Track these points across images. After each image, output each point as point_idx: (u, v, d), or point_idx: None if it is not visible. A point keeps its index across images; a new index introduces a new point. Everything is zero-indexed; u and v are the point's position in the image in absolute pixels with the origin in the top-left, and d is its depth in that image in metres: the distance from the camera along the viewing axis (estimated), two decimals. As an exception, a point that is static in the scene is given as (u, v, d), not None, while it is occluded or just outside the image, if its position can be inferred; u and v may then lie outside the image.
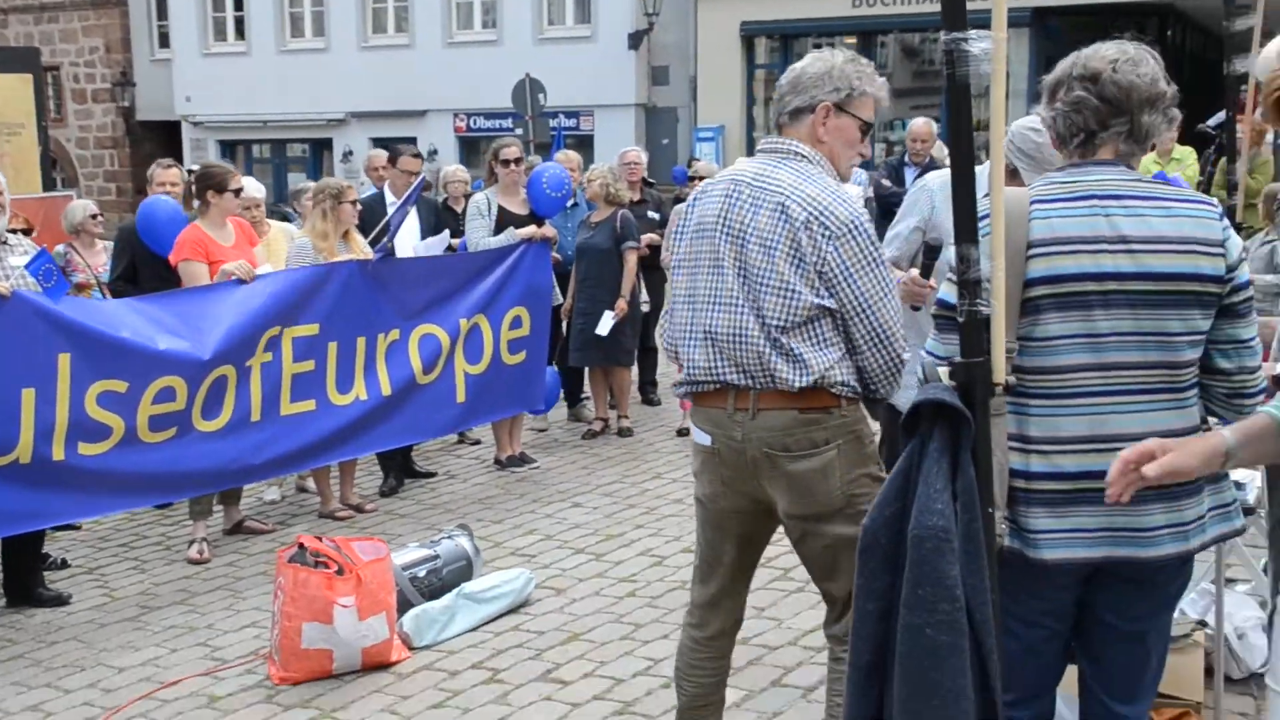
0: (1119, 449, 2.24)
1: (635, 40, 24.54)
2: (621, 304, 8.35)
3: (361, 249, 7.25)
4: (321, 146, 27.35)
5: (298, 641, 4.71)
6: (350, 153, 26.76)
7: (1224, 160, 8.12)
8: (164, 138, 29.83)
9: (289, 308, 6.58)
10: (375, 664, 4.80)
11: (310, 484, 7.66)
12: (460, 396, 7.49)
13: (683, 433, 8.54)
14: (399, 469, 7.80)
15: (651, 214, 9.37)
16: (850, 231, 3.10)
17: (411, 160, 8.66)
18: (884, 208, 9.29)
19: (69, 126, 30.15)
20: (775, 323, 3.14)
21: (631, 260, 8.45)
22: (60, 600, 5.92)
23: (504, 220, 8.03)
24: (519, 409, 8.07)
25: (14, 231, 6.16)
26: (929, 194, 4.24)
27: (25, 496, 5.66)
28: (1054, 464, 2.49)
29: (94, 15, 30.11)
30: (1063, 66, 2.63)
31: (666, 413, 9.38)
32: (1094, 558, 2.50)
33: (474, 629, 5.17)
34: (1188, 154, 10.45)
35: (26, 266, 5.74)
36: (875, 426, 3.71)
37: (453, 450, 8.61)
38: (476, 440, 8.73)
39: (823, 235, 3.10)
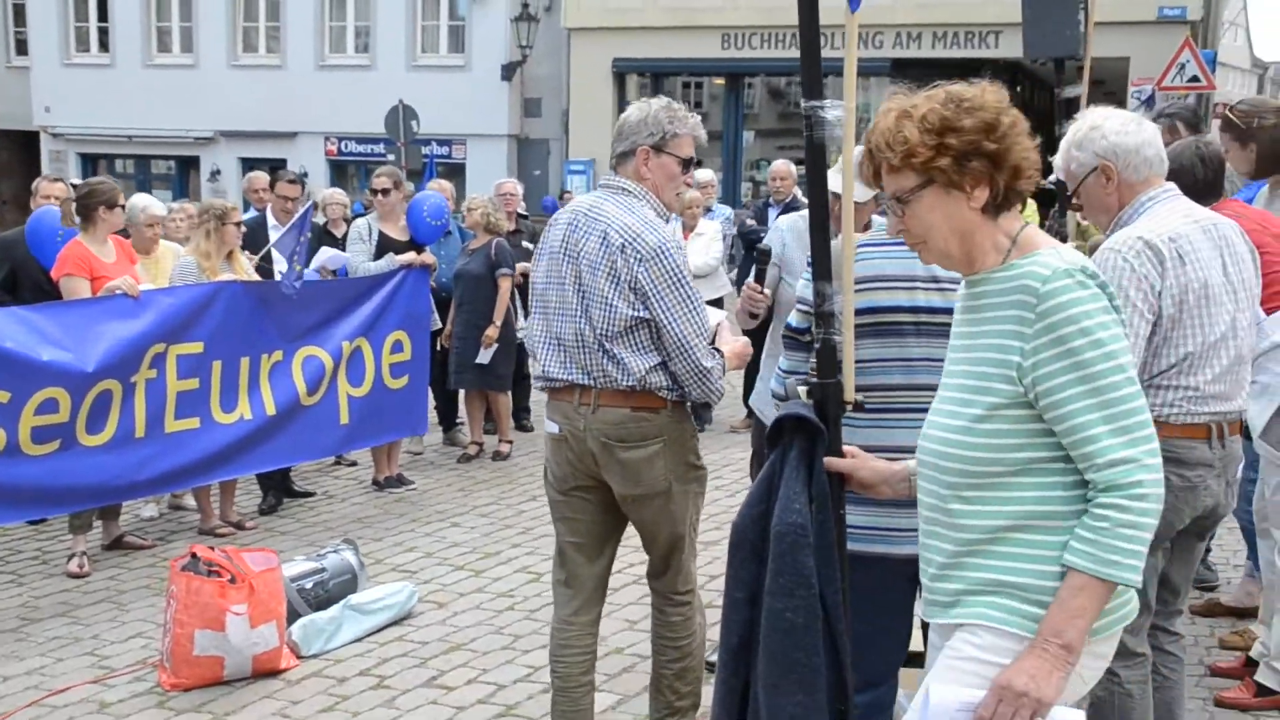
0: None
1: (509, 72, 24.90)
2: (491, 331, 8.65)
3: (246, 270, 7.43)
4: (188, 164, 27.03)
5: (189, 648, 4.88)
6: (218, 172, 26.53)
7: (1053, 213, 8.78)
8: (19, 147, 29.14)
9: (174, 325, 6.71)
10: (265, 671, 5.00)
11: (188, 501, 7.77)
12: (344, 419, 7.69)
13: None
14: (277, 488, 7.94)
15: (526, 244, 9.68)
16: (657, 255, 3.67)
17: (289, 185, 8.86)
18: (748, 244, 9.75)
19: (-79, 134, 29.30)
20: (601, 331, 3.74)
21: (504, 287, 8.75)
22: (-63, 612, 5.97)
23: (384, 246, 8.28)
24: (401, 433, 8.30)
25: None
26: (780, 233, 4.87)
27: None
28: None
29: (-55, 19, 29.35)
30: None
31: (540, 438, 9.65)
32: (909, 553, 2.84)
33: (359, 639, 5.40)
34: (1031, 206, 11.17)
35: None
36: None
37: (330, 471, 8.77)
38: (353, 462, 8.90)
39: (635, 258, 3.67)
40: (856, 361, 2.84)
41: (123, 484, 6.61)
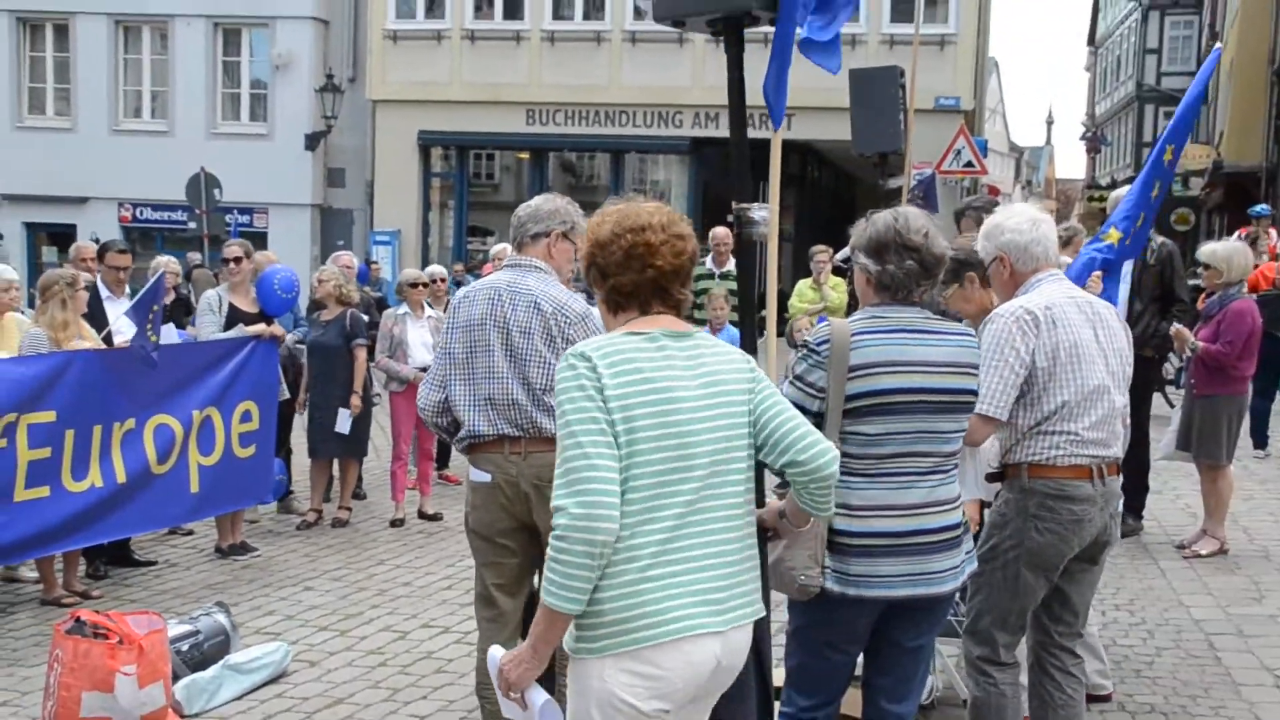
0: (917, 514, 3.27)
1: (313, 141, 24.86)
2: (356, 400, 8.82)
3: (92, 337, 7.45)
4: (-33, 228, 25.86)
5: (76, 710, 4.92)
6: (1, 236, 25.48)
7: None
8: None
9: (26, 395, 6.71)
10: (151, 731, 5.08)
11: (23, 572, 7.66)
12: (194, 487, 7.76)
13: (396, 523, 9.03)
14: (106, 558, 7.89)
15: (362, 316, 9.86)
16: (583, 319, 4.31)
17: (119, 255, 8.94)
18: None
19: None
20: (539, 386, 4.25)
21: (361, 357, 8.94)
22: None
23: (234, 317, 8.38)
24: (249, 501, 8.39)
25: None
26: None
27: None
28: (869, 525, 3.36)
29: None
30: (882, 231, 3.46)
31: (375, 505, 9.78)
32: (898, 596, 3.37)
33: (239, 697, 5.52)
34: (839, 283, 11.98)
35: None
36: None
37: (166, 540, 8.71)
38: (190, 531, 8.86)
39: (565, 322, 4.30)
40: (859, 434, 3.34)
41: (-28, 553, 6.54)
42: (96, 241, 25.06)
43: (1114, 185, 47.79)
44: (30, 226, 25.80)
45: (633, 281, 2.93)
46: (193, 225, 21.82)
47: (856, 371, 3.35)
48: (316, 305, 9.42)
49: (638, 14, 23.61)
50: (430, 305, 9.41)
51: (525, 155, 25.15)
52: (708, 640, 2.80)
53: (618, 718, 2.75)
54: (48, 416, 6.86)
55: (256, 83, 25.54)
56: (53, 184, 25.02)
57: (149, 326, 7.41)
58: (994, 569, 4.01)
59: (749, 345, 3.23)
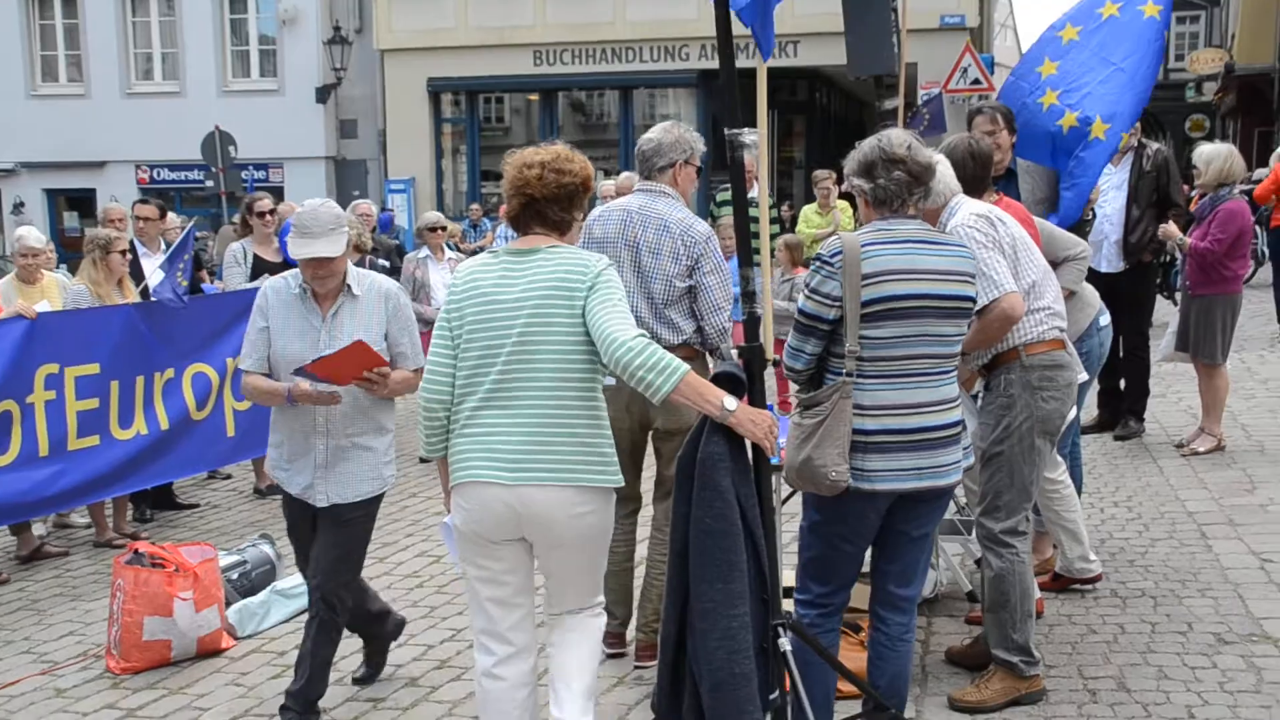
0: (922, 412, 3.63)
1: (323, 94, 25.09)
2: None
3: (134, 294, 7.80)
4: (-12, 196, 26.33)
5: (139, 634, 5.32)
6: (22, 203, 25.92)
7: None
8: None
9: (68, 346, 7.07)
10: (208, 651, 5.47)
11: (73, 519, 8.08)
12: (230, 431, 8.14)
13: (424, 459, 9.36)
14: (150, 502, 8.29)
15: (382, 261, 10.18)
16: (707, 240, 4.85)
17: (142, 206, 9.27)
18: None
19: None
20: (660, 301, 4.81)
21: (378, 302, 9.26)
22: None
23: (259, 268, 8.69)
24: (278, 442, 8.74)
25: None
26: None
27: None
28: (882, 423, 3.68)
29: None
30: (867, 152, 3.81)
31: (403, 443, 10.14)
32: (908, 488, 3.71)
33: (286, 620, 5.90)
34: (845, 206, 12.21)
35: None
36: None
37: (206, 484, 9.10)
38: (228, 474, 9.25)
39: (690, 241, 4.81)
40: (872, 339, 3.66)
41: (35, 500, 6.98)
42: (115, 201, 25.55)
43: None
44: (50, 193, 26.17)
45: (515, 207, 3.79)
46: (210, 184, 22.12)
47: (869, 279, 3.65)
48: None
49: (640, -51, 23.68)
50: (452, 247, 9.70)
51: (535, 97, 25.33)
52: (495, 489, 3.58)
53: (454, 533, 3.79)
54: (92, 369, 7.23)
55: (265, 39, 25.75)
56: (70, 150, 25.38)
57: (179, 272, 7.77)
58: (1010, 445, 4.41)
59: (746, 262, 3.52)
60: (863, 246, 3.71)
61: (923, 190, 3.82)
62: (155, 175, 25.83)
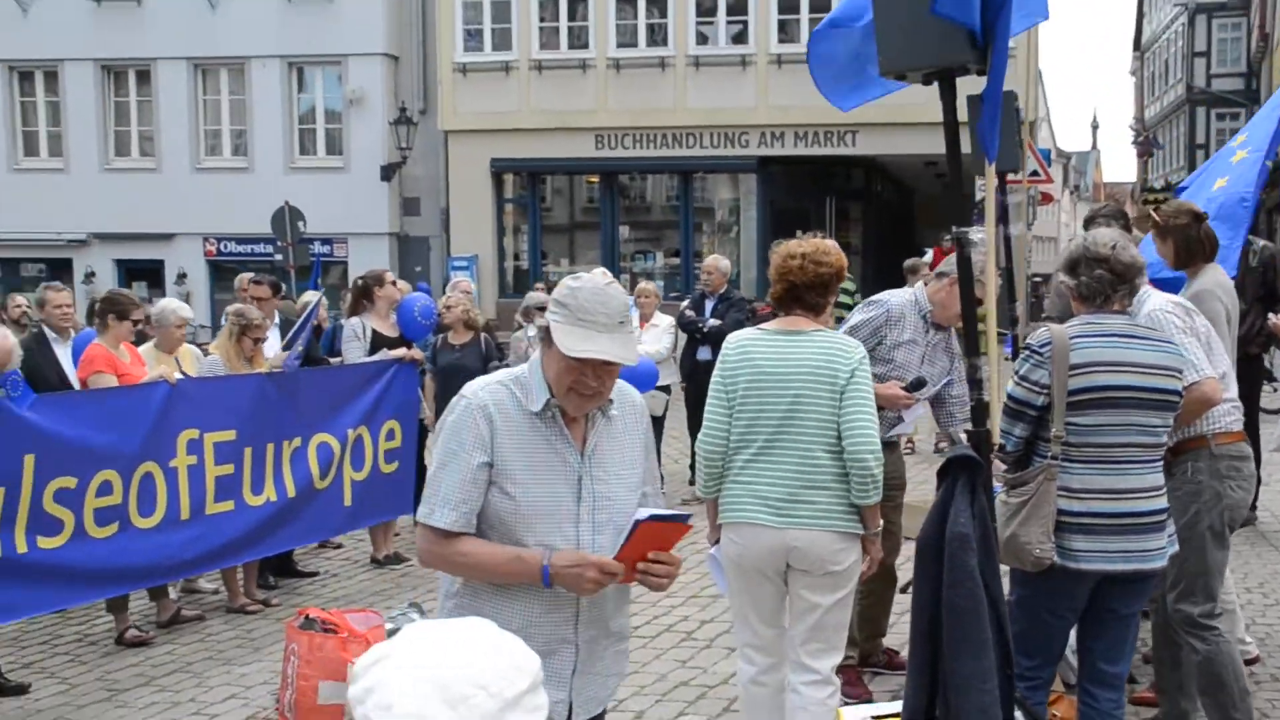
0: (1129, 498, 3.81)
1: (388, 173, 25.62)
2: (493, 417, 9.37)
3: (265, 367, 8.07)
4: (60, 267, 26.82)
5: (313, 699, 5.48)
6: (93, 274, 26.45)
7: None
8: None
9: (209, 412, 7.33)
10: (377, 716, 5.62)
11: (201, 584, 8.28)
12: (347, 501, 8.35)
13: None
14: (274, 569, 8.49)
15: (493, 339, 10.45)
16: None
17: (255, 286, 9.64)
18: (689, 333, 10.70)
19: None
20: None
21: (496, 377, 9.49)
22: (21, 689, 6.39)
23: (377, 342, 8.97)
24: (393, 514, 8.97)
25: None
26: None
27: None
28: (1088, 506, 3.90)
29: None
30: (1074, 250, 4.11)
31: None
32: (1116, 570, 3.91)
33: (443, 687, 6.06)
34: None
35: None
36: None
37: (319, 553, 9.29)
38: (339, 544, 9.44)
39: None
40: (1080, 425, 3.87)
41: (173, 563, 7.17)
42: (183, 277, 25.98)
43: (1168, 188, 47.86)
44: (120, 263, 26.69)
45: (779, 291, 4.47)
46: (278, 257, 22.56)
47: (1077, 369, 3.86)
48: (441, 329, 9.96)
49: (700, 39, 24.23)
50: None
51: (595, 179, 25.79)
52: (764, 531, 4.28)
53: (726, 561, 4.44)
54: (229, 435, 7.47)
55: (331, 116, 26.35)
56: (139, 222, 25.96)
57: (297, 342, 8.07)
58: (1200, 532, 4.56)
59: (973, 351, 3.75)
60: (1071, 339, 3.93)
61: (1126, 288, 4.03)
62: (222, 248, 26.35)
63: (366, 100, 25.58)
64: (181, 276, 26.02)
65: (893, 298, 5.62)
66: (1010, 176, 22.53)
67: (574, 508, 2.95)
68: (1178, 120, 50.12)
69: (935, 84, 3.79)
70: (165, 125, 26.37)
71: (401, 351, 8.81)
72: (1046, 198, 28.54)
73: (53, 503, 6.43)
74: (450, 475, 2.92)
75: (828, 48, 4.86)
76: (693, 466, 11.49)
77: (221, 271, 26.41)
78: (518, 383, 2.97)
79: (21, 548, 6.26)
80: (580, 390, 2.88)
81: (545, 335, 2.91)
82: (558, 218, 26.60)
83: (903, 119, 23.20)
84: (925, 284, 5.62)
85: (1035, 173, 21.91)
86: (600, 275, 2.96)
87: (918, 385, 5.37)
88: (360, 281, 9.45)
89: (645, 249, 25.90)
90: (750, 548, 4.33)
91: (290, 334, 8.33)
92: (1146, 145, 55.80)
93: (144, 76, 26.53)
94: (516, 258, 26.15)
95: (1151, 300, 4.61)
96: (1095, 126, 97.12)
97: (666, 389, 10.58)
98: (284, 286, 10.24)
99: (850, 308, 11.66)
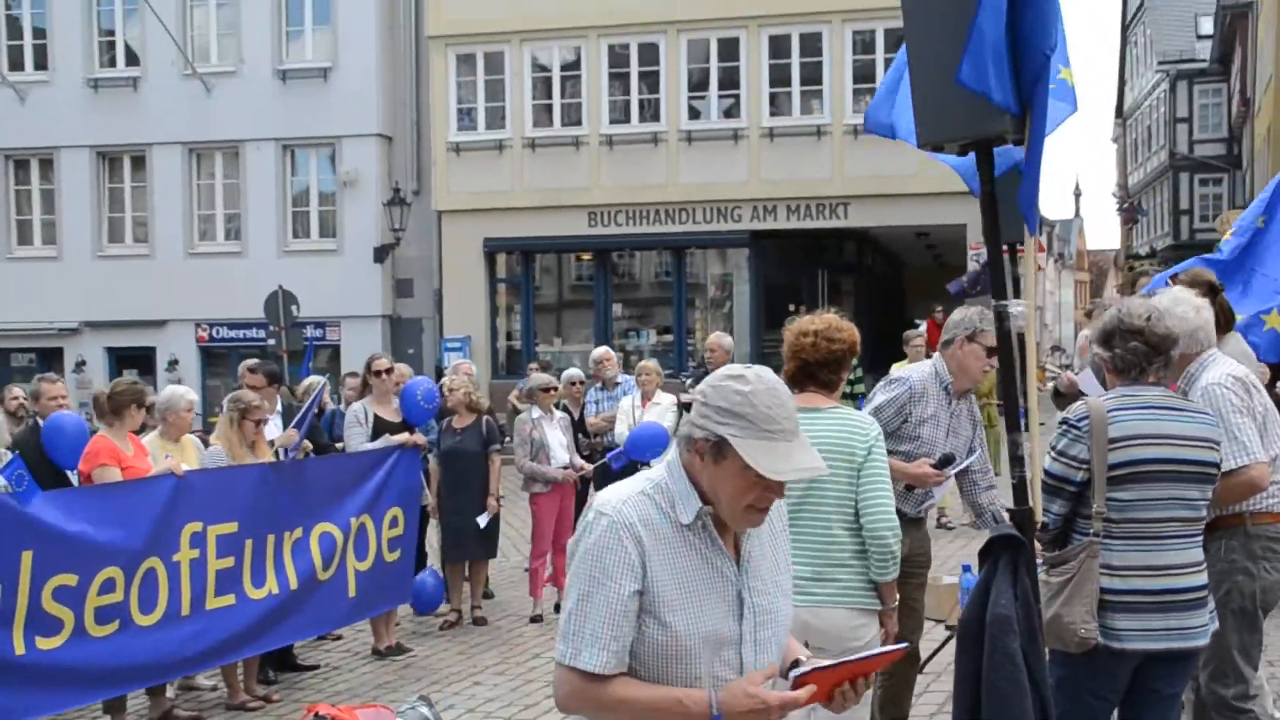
0: (1172, 574, 3.70)
1: (381, 254, 25.61)
2: (494, 502, 9.24)
3: (268, 455, 7.92)
4: (50, 356, 26.69)
5: (325, 800, 5.30)
6: (83, 362, 26.31)
7: None
8: None
9: (212, 504, 7.18)
10: (390, 818, 5.43)
11: (199, 681, 8.06)
12: (351, 592, 8.17)
13: (535, 619, 9.38)
14: (274, 663, 8.27)
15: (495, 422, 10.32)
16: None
17: (254, 376, 9.45)
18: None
19: None
20: None
21: (498, 461, 9.37)
22: (25, 801, 6.17)
23: (380, 428, 8.84)
24: (396, 603, 8.80)
25: (-19, 444, 6.55)
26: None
27: (-2, 694, 6.00)
28: (1130, 584, 3.79)
29: None
30: (1108, 322, 3.99)
31: (506, 603, 10.13)
32: (1159, 649, 3.78)
33: (456, 786, 5.87)
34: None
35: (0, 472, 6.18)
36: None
37: (318, 645, 9.07)
38: (338, 635, 9.22)
39: None
40: (1120, 501, 3.78)
41: (174, 660, 7.00)
42: (174, 364, 25.76)
43: (1153, 254, 48.09)
44: (110, 350, 26.56)
45: (792, 369, 4.46)
46: (272, 342, 22.47)
47: (1116, 443, 3.76)
48: (444, 413, 9.84)
49: (693, 114, 24.39)
50: (558, 408, 9.84)
51: (588, 256, 25.80)
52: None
53: None
54: (230, 527, 7.31)
55: (325, 198, 26.39)
56: (132, 309, 25.85)
57: (300, 431, 7.94)
58: (1233, 611, 4.42)
59: (1014, 427, 3.64)
60: (1108, 412, 3.83)
61: (1162, 360, 3.94)
62: (214, 333, 26.24)
63: (360, 181, 25.62)
64: (173, 363, 25.88)
65: (913, 374, 5.53)
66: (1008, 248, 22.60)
67: (735, 628, 2.61)
68: (1161, 186, 50.56)
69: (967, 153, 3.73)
70: (159, 210, 26.35)
71: (404, 437, 8.67)
72: (1036, 267, 28.64)
73: (52, 601, 6.26)
74: (597, 609, 2.55)
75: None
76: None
77: (213, 357, 26.31)
78: (660, 491, 2.62)
79: (19, 649, 6.09)
80: (760, 505, 2.58)
81: (714, 449, 2.53)
82: (550, 296, 26.57)
83: (894, 190, 23.41)
84: (941, 353, 5.51)
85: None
86: (764, 372, 2.61)
87: (946, 462, 5.25)
88: (368, 364, 9.36)
89: (637, 326, 25.85)
90: None
91: (296, 420, 8.20)
92: (1131, 212, 56.18)
93: (139, 162, 26.57)
94: (509, 337, 26.07)
95: (1210, 372, 4.48)
96: (1078, 194, 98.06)
97: (665, 464, 10.43)
98: (281, 375, 10.06)
99: (855, 383, 11.62)
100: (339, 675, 8.27)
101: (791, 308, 26.75)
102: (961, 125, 3.61)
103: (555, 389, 9.75)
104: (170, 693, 7.88)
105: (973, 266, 23.29)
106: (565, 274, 26.80)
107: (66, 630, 6.34)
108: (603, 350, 11.81)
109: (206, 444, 8.03)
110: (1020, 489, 3.65)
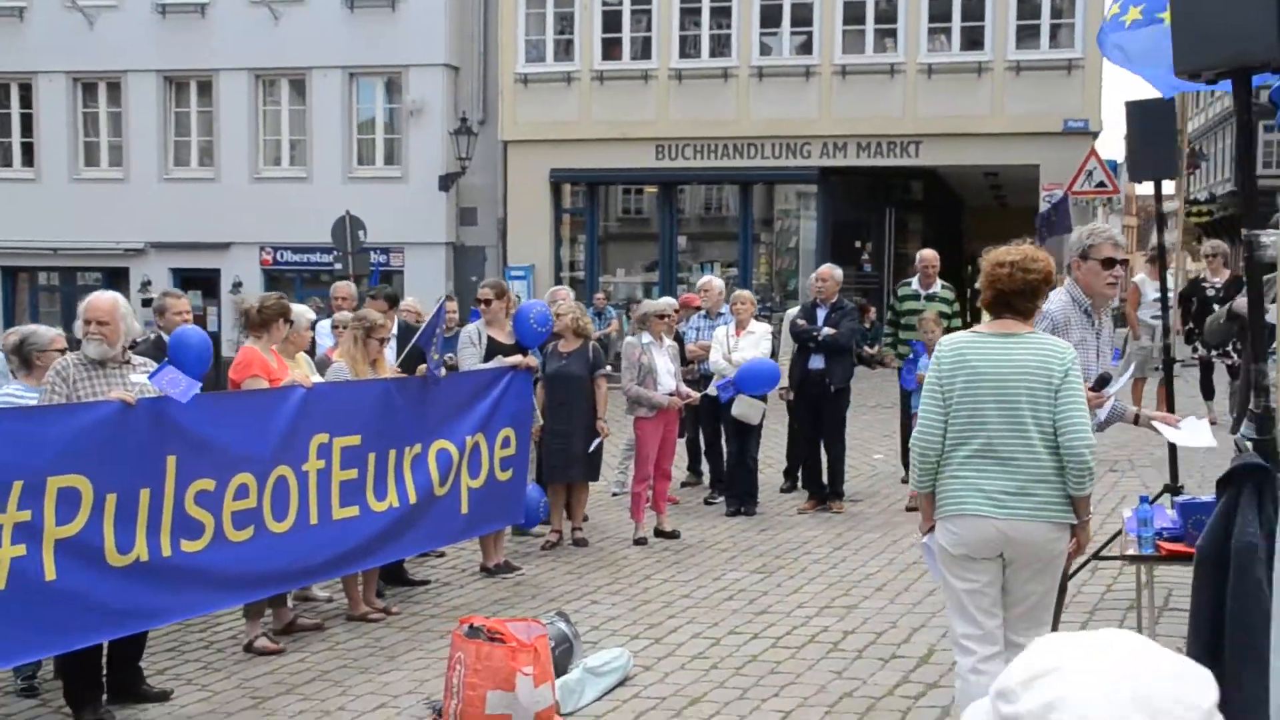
0: None
1: (446, 182, 25.57)
2: (603, 425, 9.27)
3: (387, 373, 7.97)
4: (116, 276, 26.87)
5: (481, 708, 5.36)
6: (149, 282, 26.46)
7: None
8: (-64, 262, 28.69)
9: (338, 417, 7.24)
10: (542, 727, 5.50)
11: (315, 592, 8.17)
12: (464, 509, 8.22)
13: (639, 541, 9.43)
14: (385, 577, 8.35)
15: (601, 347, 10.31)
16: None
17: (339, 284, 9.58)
18: (801, 342, 10.51)
19: None
20: None
21: (604, 385, 9.39)
22: (164, 696, 6.29)
23: (493, 349, 8.87)
24: (505, 522, 8.86)
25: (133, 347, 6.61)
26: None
27: (147, 594, 6.10)
28: None
29: None
30: None
31: (603, 526, 10.19)
32: None
33: (599, 698, 5.92)
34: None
35: (151, 378, 6.24)
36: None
37: (424, 562, 9.15)
38: (441, 553, 9.30)
39: None
40: None
41: (304, 568, 7.09)
42: (238, 286, 25.89)
43: (1212, 200, 47.38)
44: (175, 272, 26.71)
45: (989, 298, 4.66)
46: (337, 266, 22.53)
47: None
48: (553, 337, 9.84)
49: (764, 49, 24.12)
50: (665, 336, 9.83)
51: (654, 189, 25.68)
52: (985, 523, 4.46)
53: (942, 552, 4.62)
54: (354, 440, 7.37)
55: (390, 126, 26.35)
56: (196, 231, 25.97)
57: (434, 349, 7.95)
58: None
59: (1260, 356, 3.61)
60: None
61: None
62: (278, 257, 26.36)
63: (426, 111, 25.54)
64: (237, 285, 26.00)
65: (1051, 305, 5.49)
66: (1079, 187, 22.25)
67: None
68: (1223, 132, 49.65)
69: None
70: (225, 135, 26.41)
71: (517, 359, 8.69)
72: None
73: (194, 505, 6.34)
74: None
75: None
76: (789, 473, 11.34)
77: (277, 281, 26.41)
78: None
79: (166, 551, 6.17)
80: None
81: None
82: (615, 228, 26.49)
83: (967, 130, 23.15)
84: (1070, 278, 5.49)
85: (1102, 183, 21.66)
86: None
87: (1104, 382, 5.28)
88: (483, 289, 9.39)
89: (701, 258, 25.76)
90: (970, 539, 4.52)
91: (419, 337, 8.22)
92: (1193, 158, 55.23)
93: (205, 87, 26.58)
94: (573, 268, 26.02)
95: None
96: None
97: (763, 397, 10.44)
98: (398, 299, 10.09)
99: (953, 318, 11.47)
100: (451, 591, 8.36)
101: (858, 244, 26.78)
102: (1226, 50, 3.50)
103: (668, 316, 9.72)
104: (289, 603, 8.01)
105: (1044, 206, 23.09)
106: (630, 207, 26.68)
107: (208, 534, 6.42)
108: (705, 279, 11.80)
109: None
110: (1266, 420, 3.63)
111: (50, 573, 5.56)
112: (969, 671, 4.60)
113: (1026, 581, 4.55)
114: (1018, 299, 4.59)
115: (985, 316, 4.99)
